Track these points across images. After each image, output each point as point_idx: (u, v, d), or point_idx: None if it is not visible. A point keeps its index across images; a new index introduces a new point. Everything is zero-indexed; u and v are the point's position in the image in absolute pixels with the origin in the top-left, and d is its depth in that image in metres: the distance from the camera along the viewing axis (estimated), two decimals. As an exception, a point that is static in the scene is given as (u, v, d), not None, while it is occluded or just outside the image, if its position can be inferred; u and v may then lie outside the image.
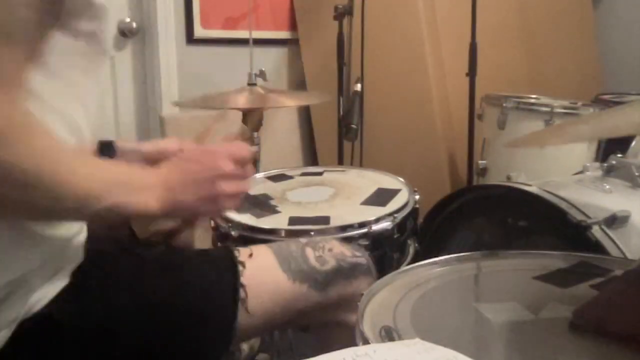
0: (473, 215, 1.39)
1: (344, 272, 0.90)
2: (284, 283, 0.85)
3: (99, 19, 0.71)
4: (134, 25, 2.17)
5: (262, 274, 0.85)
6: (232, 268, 0.83)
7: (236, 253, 0.86)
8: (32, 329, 0.68)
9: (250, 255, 0.86)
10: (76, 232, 0.74)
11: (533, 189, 1.24)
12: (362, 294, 0.76)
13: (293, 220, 1.12)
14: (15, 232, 0.66)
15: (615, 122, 0.79)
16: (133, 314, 0.75)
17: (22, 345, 0.68)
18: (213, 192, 0.78)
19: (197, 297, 0.80)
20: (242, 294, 0.81)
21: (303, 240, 0.93)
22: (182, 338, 0.78)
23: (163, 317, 0.77)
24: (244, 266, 0.83)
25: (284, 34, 2.47)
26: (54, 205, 0.63)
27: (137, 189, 0.71)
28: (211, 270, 0.84)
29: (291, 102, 1.73)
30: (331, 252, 0.91)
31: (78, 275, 0.73)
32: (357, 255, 0.94)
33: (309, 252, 0.89)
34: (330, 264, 0.89)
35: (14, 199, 0.59)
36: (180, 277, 0.81)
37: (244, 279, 0.82)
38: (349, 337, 0.70)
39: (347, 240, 1.01)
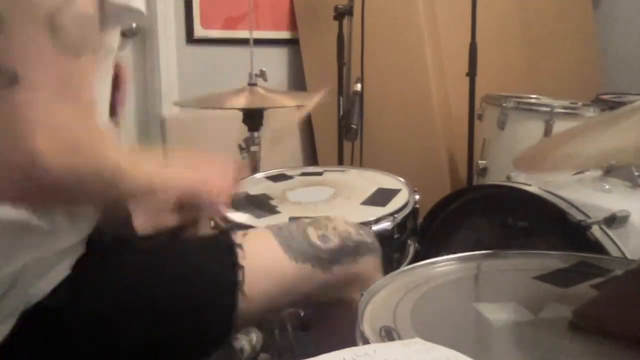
0: (473, 215, 1.39)
1: (349, 250, 0.89)
2: (286, 264, 0.84)
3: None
4: (134, 25, 2.16)
5: (262, 256, 0.84)
6: (230, 251, 0.82)
7: (233, 236, 0.85)
8: (33, 320, 0.69)
9: (245, 234, 0.86)
10: (80, 228, 0.74)
11: (533, 189, 1.24)
12: (366, 282, 0.77)
13: (293, 221, 1.12)
14: (19, 223, 0.66)
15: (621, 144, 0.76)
16: (132, 304, 0.75)
17: (24, 336, 0.68)
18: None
19: (196, 284, 0.80)
20: (240, 276, 0.80)
21: (306, 220, 0.92)
22: (184, 325, 0.78)
23: (163, 306, 0.77)
24: (242, 248, 0.82)
25: (284, 34, 2.47)
26: (117, 198, 0.72)
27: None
28: (209, 256, 0.83)
29: (291, 102, 1.73)
30: (335, 230, 0.90)
31: (78, 266, 0.73)
32: (362, 233, 0.93)
33: (311, 231, 0.88)
34: (335, 242, 0.88)
35: (87, 197, 0.67)
36: (179, 265, 0.81)
37: (242, 261, 0.81)
38: (353, 315, 0.71)
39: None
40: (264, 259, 0.84)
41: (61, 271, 0.72)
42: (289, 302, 0.89)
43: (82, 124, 0.62)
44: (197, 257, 0.83)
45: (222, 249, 0.83)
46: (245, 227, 1.11)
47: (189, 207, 1.12)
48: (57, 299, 0.70)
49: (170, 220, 1.12)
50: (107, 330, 0.73)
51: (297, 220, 0.93)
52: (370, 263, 0.91)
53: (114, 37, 0.75)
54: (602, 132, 0.83)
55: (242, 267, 0.81)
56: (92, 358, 0.73)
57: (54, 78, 0.59)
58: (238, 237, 0.85)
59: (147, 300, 0.76)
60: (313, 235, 0.88)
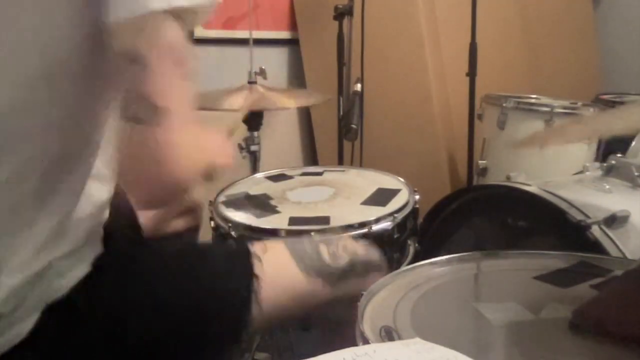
0: (473, 215, 1.39)
1: (357, 269, 0.91)
2: (299, 278, 0.86)
3: None
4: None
5: (276, 267, 0.86)
6: (248, 261, 0.84)
7: (251, 247, 0.87)
8: (54, 316, 0.69)
9: (265, 249, 0.87)
10: (98, 222, 0.75)
11: (533, 189, 1.24)
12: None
13: (293, 221, 1.12)
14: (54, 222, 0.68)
15: (615, 122, 0.79)
16: (146, 305, 0.75)
17: (44, 331, 0.69)
18: None
19: (211, 290, 0.81)
20: (256, 286, 0.81)
21: (316, 237, 0.95)
22: (196, 328, 0.78)
23: (176, 309, 0.77)
24: (259, 260, 0.84)
25: (284, 34, 2.47)
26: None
27: None
28: (226, 263, 0.85)
29: (291, 102, 1.73)
30: (345, 249, 0.92)
31: (97, 264, 0.74)
32: (369, 253, 0.95)
33: (323, 248, 0.90)
34: (344, 260, 0.90)
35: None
36: (196, 270, 0.82)
37: (259, 272, 0.83)
38: (353, 315, 0.72)
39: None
40: (278, 271, 0.86)
41: (83, 268, 0.72)
42: (297, 314, 0.91)
43: (199, 136, 0.71)
44: (215, 264, 0.84)
45: (240, 257, 0.85)
46: (245, 227, 1.11)
47: (192, 211, 1.13)
48: (77, 295, 0.70)
49: (175, 225, 1.13)
50: (121, 329, 0.74)
51: (310, 237, 0.96)
52: (375, 281, 0.93)
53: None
54: (595, 117, 0.86)
55: (258, 277, 0.82)
56: (106, 354, 0.74)
57: (183, 102, 0.68)
58: (256, 249, 0.87)
59: (159, 302, 0.76)
60: (325, 252, 0.90)
